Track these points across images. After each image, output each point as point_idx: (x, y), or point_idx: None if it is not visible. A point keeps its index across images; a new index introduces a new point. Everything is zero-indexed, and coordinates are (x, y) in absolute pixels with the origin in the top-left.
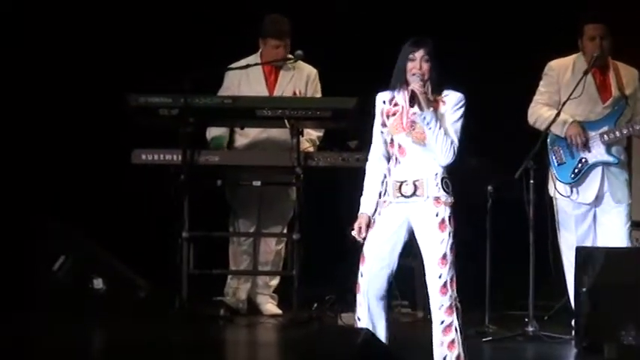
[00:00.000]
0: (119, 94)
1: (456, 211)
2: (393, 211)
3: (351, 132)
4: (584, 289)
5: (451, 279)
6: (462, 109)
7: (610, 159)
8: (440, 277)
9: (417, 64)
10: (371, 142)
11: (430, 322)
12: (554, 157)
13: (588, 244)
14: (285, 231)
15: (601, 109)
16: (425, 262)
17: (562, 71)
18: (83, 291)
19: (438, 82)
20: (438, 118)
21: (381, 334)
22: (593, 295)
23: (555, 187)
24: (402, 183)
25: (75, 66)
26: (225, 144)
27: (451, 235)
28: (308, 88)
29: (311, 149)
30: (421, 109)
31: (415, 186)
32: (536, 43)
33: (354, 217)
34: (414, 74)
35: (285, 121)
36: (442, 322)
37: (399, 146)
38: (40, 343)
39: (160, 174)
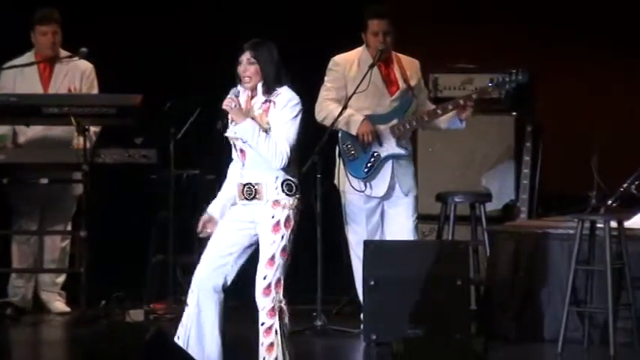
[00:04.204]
0: None
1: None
2: (238, 212)
3: (137, 129)
4: (371, 283)
5: (277, 281)
6: (293, 109)
7: (401, 151)
8: (265, 278)
9: (243, 67)
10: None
11: None
12: (346, 153)
13: (377, 238)
14: (68, 228)
15: (389, 102)
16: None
17: (348, 66)
18: None
19: (271, 83)
20: (261, 124)
21: (208, 324)
22: (380, 288)
23: (350, 183)
24: (244, 186)
25: None
26: (9, 142)
27: (284, 237)
28: (83, 84)
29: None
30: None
31: (256, 190)
32: (321, 38)
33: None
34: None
35: (72, 118)
36: (263, 324)
37: (241, 150)
38: None
39: None
